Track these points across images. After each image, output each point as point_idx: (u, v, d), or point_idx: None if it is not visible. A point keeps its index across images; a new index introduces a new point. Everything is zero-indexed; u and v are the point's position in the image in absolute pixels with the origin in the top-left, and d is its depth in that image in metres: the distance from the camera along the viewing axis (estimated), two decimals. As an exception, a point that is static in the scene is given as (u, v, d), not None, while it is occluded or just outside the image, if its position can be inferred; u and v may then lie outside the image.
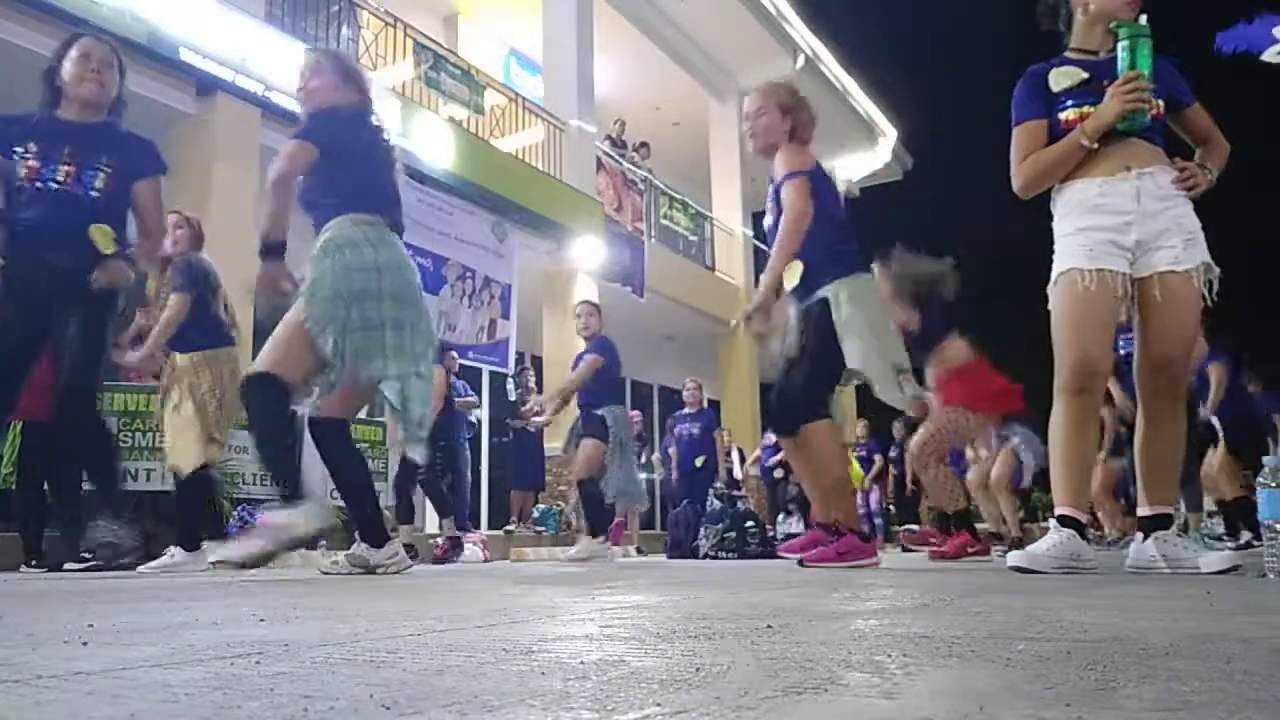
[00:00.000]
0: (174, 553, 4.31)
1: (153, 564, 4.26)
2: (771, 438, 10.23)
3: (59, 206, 3.26)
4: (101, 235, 3.28)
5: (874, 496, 11.52)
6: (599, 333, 6.29)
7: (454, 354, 7.45)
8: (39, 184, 3.25)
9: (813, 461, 3.63)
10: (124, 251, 3.40)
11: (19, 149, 3.27)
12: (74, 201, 3.28)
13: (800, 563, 3.62)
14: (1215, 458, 7.02)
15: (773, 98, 3.76)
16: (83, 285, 3.24)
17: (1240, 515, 7.01)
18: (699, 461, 8.86)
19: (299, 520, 2.89)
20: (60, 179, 3.27)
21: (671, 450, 9.37)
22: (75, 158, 3.29)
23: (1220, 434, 6.97)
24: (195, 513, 4.50)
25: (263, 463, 3.26)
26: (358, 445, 4.16)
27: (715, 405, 12.76)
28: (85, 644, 1.05)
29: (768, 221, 3.71)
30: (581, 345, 6.32)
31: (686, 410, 9.22)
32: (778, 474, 10.31)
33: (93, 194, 3.31)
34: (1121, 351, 5.41)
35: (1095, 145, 2.64)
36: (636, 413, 10.48)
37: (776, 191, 3.60)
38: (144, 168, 3.49)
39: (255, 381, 2.99)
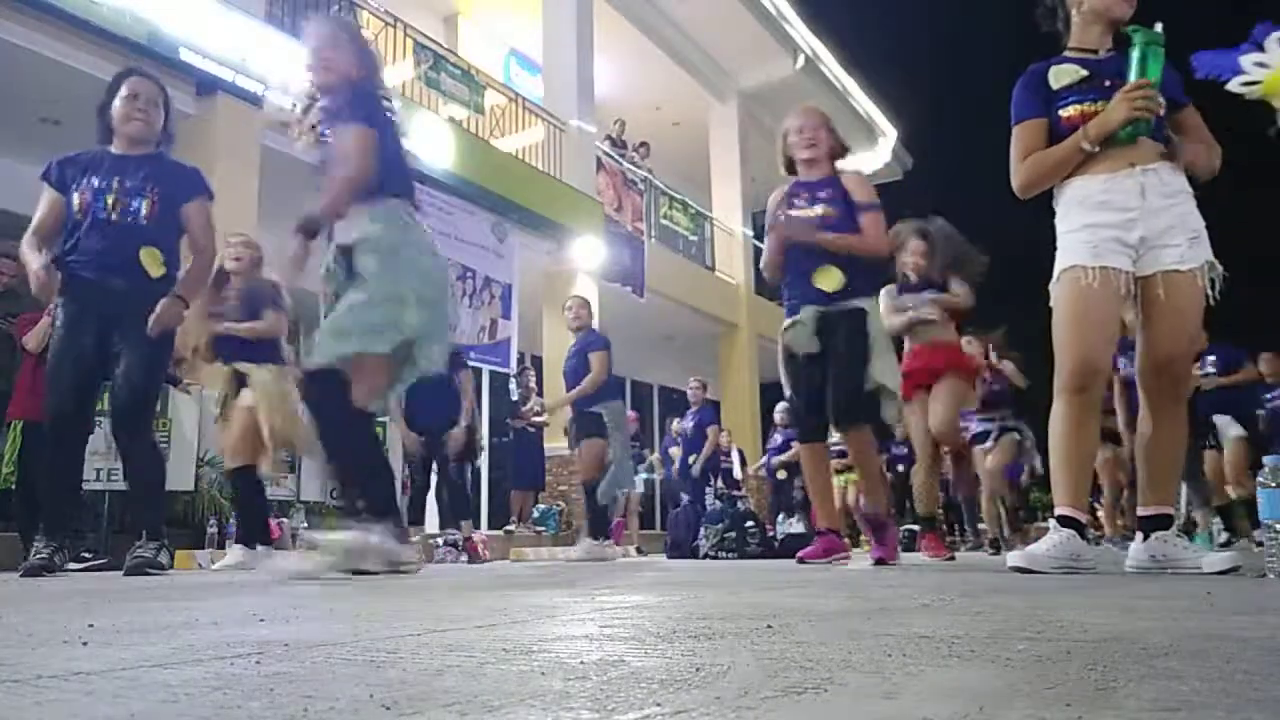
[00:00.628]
0: (236, 551, 4.70)
1: (222, 563, 4.68)
2: (779, 438, 10.32)
3: (110, 234, 3.47)
4: (150, 258, 3.52)
5: None
6: (589, 324, 6.46)
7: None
8: (92, 215, 3.47)
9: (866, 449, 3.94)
10: (172, 275, 3.59)
11: (74, 185, 3.51)
12: (123, 229, 3.48)
13: (800, 560, 3.80)
14: (1226, 455, 7.03)
15: (821, 118, 4.04)
16: (138, 306, 3.42)
17: (1240, 514, 7.02)
18: (691, 459, 8.94)
19: (372, 547, 2.64)
20: (109, 208, 3.48)
21: (673, 450, 9.39)
22: (122, 188, 3.50)
23: (1231, 433, 7.00)
24: (254, 513, 4.84)
25: (335, 472, 3.08)
26: None
27: (715, 405, 12.76)
28: (85, 644, 1.05)
29: (820, 215, 3.83)
30: (570, 339, 6.48)
31: (691, 410, 9.32)
32: (781, 474, 10.28)
33: (140, 221, 3.51)
34: (1121, 372, 5.42)
35: (1096, 149, 2.64)
36: (634, 413, 10.50)
37: (837, 196, 3.85)
38: (189, 192, 3.66)
39: (315, 377, 2.79)
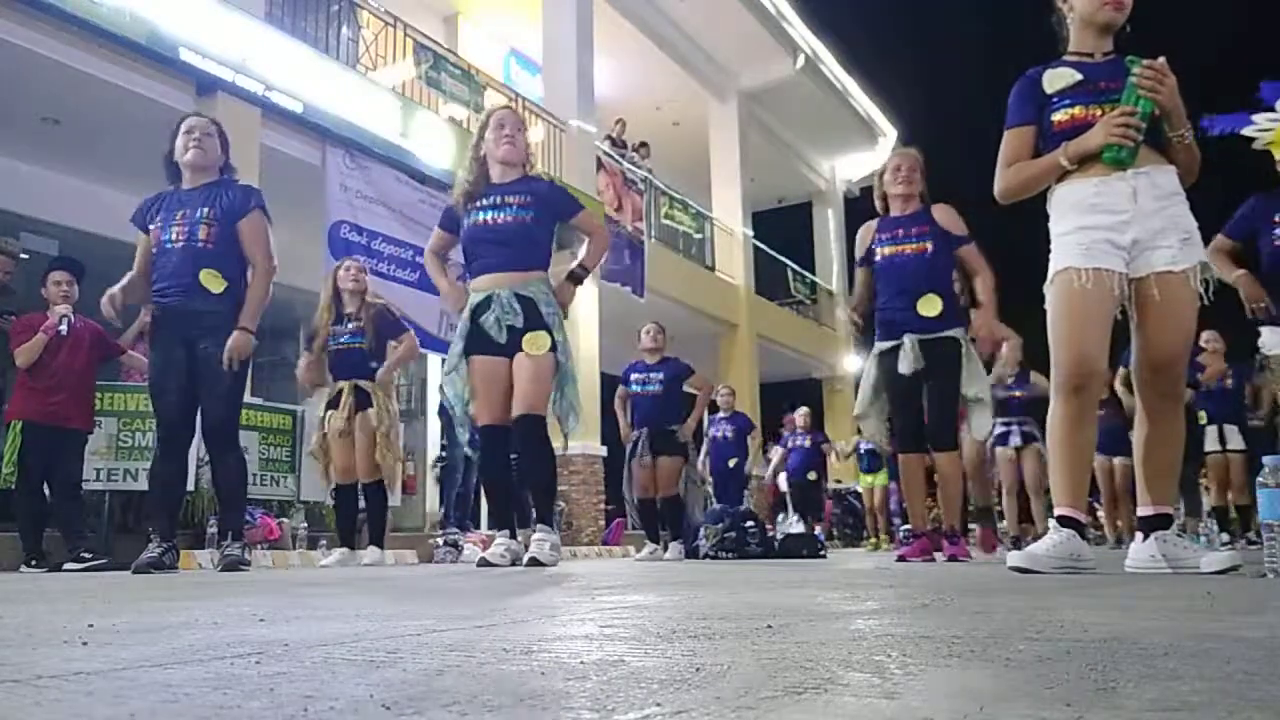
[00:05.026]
0: (374, 552, 5.27)
1: (370, 558, 5.16)
2: (802, 440, 10.91)
3: (179, 261, 3.86)
4: (211, 279, 3.87)
5: (894, 496, 11.57)
6: (665, 350, 7.05)
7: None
8: (162, 246, 3.89)
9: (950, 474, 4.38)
10: (234, 288, 3.93)
11: (150, 222, 3.94)
12: (188, 255, 3.86)
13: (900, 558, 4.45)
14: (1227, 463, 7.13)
15: (917, 160, 4.55)
16: (213, 322, 3.85)
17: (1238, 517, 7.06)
18: (732, 463, 9.01)
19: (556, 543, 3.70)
20: (175, 238, 3.87)
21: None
22: (185, 219, 3.88)
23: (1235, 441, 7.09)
24: (385, 518, 5.39)
25: (541, 490, 3.75)
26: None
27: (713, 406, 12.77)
28: (85, 644, 1.05)
29: (916, 250, 4.32)
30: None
31: (720, 414, 9.36)
32: (812, 476, 10.88)
33: (199, 244, 3.86)
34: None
35: (1074, 167, 2.66)
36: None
37: (934, 231, 4.33)
38: (241, 209, 3.95)
39: (541, 421, 3.61)
